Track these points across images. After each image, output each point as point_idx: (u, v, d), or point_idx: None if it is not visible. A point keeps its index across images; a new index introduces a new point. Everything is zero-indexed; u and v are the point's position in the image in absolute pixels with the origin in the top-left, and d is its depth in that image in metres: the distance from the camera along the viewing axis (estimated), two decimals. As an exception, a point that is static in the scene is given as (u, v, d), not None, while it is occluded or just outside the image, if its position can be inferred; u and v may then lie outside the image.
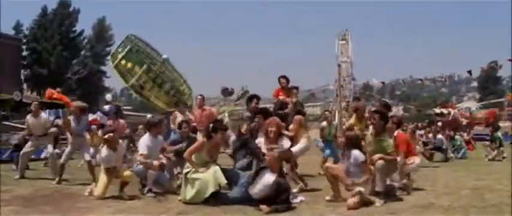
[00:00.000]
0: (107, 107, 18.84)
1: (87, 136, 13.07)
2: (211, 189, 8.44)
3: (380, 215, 7.55)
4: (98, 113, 21.44)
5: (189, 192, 8.57)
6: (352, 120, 11.76)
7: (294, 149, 9.74)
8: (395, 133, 9.72)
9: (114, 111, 17.00)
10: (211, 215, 7.74)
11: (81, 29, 65.56)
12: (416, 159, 10.14)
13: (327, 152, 13.44)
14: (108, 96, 22.14)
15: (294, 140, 10.08)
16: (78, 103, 13.14)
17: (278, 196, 7.89)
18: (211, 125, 9.07)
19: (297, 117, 10.66)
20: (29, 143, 12.56)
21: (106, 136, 9.59)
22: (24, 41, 61.13)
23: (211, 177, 8.46)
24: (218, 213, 7.80)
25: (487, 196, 9.08)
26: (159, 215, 7.70)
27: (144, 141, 9.76)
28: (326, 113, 14.86)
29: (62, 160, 11.85)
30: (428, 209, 7.91)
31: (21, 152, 12.57)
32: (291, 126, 10.42)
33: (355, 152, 8.60)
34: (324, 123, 13.89)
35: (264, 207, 7.71)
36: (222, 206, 8.14)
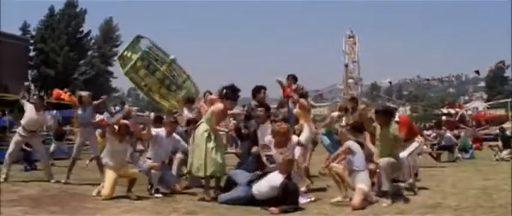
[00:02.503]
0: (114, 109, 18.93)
1: (97, 133, 13.18)
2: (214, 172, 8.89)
3: (387, 215, 7.54)
4: (105, 113, 21.50)
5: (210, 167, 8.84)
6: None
7: (300, 138, 9.69)
8: (397, 116, 9.81)
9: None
10: (218, 214, 7.75)
11: (88, 30, 65.77)
12: (418, 140, 10.44)
13: (326, 141, 13.11)
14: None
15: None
16: (83, 92, 13.10)
17: (286, 197, 7.89)
18: (224, 90, 9.19)
19: (301, 100, 10.62)
20: (15, 139, 12.33)
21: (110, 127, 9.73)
22: (31, 41, 61.40)
23: (221, 164, 8.89)
24: (226, 213, 7.81)
25: (494, 196, 9.07)
26: (168, 215, 7.71)
27: (157, 131, 10.04)
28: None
29: (73, 155, 11.99)
30: (436, 209, 7.91)
31: (8, 152, 12.37)
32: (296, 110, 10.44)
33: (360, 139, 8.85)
34: (336, 113, 13.27)
35: (272, 209, 7.71)
36: (229, 206, 8.16)
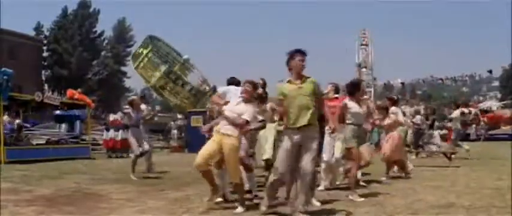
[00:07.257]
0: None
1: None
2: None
3: (400, 215, 7.53)
4: (119, 113, 21.67)
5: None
6: None
7: None
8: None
9: None
10: (234, 214, 7.73)
11: (102, 30, 66.20)
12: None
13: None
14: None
15: None
16: (135, 98, 14.56)
17: None
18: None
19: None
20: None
21: None
22: (45, 42, 61.82)
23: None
24: (241, 212, 7.80)
25: (508, 196, 9.02)
26: (181, 215, 7.72)
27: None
28: None
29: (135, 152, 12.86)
30: (449, 209, 7.88)
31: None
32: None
33: None
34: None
35: None
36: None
